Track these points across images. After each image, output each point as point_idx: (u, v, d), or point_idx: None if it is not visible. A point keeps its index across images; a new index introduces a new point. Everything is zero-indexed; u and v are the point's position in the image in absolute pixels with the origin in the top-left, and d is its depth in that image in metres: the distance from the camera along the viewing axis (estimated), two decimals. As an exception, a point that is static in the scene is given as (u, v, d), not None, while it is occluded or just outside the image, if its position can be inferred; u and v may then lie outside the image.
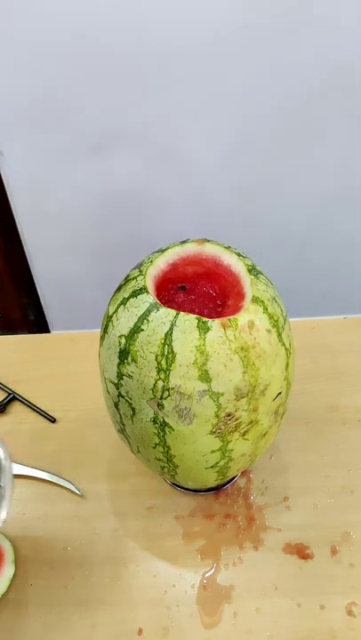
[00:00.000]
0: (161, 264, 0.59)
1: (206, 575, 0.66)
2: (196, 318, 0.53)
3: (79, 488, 0.72)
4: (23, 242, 1.54)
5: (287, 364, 0.58)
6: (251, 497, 0.72)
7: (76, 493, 0.72)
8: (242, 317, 0.54)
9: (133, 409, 0.56)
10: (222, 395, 0.53)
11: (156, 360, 0.53)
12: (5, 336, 0.90)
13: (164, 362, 0.52)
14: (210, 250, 0.60)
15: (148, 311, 0.54)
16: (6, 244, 1.49)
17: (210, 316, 0.55)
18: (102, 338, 0.59)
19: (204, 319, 0.53)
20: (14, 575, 0.65)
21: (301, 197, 1.58)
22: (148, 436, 0.57)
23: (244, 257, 0.60)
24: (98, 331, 0.62)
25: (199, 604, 0.64)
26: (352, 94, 1.38)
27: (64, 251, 1.39)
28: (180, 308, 0.58)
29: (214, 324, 0.52)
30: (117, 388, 0.57)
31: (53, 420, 0.79)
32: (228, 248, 0.60)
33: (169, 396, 0.53)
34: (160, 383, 0.53)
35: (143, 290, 0.56)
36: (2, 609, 0.63)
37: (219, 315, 0.57)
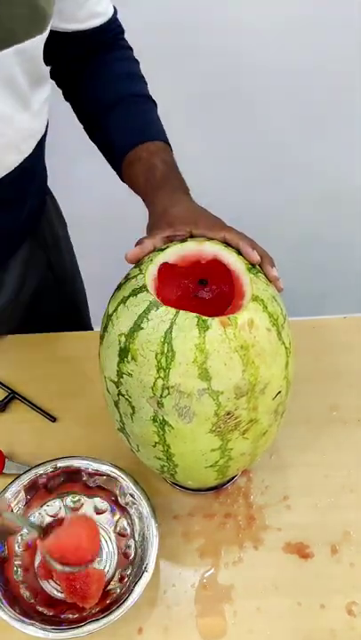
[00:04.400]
0: (161, 263, 0.59)
1: (206, 575, 0.66)
2: (196, 316, 0.53)
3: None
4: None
5: (287, 363, 0.58)
6: (251, 496, 0.72)
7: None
8: (242, 316, 0.54)
9: (133, 407, 0.56)
10: (222, 393, 0.53)
11: (155, 358, 0.53)
12: (6, 335, 0.90)
13: (163, 360, 0.52)
14: (209, 249, 0.60)
15: (148, 309, 0.54)
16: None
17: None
18: (102, 337, 0.59)
19: (204, 317, 0.53)
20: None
21: (302, 197, 1.58)
22: (148, 435, 0.57)
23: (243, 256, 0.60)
24: (98, 330, 0.62)
25: (199, 603, 0.64)
26: (352, 96, 1.39)
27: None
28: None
29: (214, 322, 0.52)
30: (117, 387, 0.57)
31: (53, 420, 0.79)
32: (227, 247, 0.60)
33: (169, 394, 0.53)
34: (160, 381, 0.53)
35: (143, 288, 0.56)
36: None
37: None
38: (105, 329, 0.58)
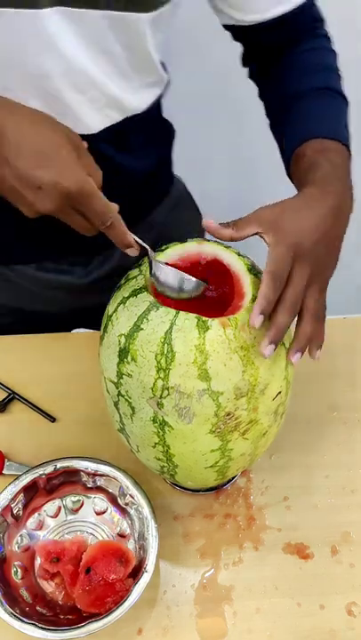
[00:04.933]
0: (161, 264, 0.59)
1: (206, 575, 0.66)
2: (196, 317, 0.53)
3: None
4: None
5: (287, 364, 0.58)
6: (251, 497, 0.72)
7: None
8: (242, 316, 0.54)
9: (133, 408, 0.56)
10: (222, 394, 0.53)
11: (155, 359, 0.53)
12: (5, 336, 0.90)
13: (163, 361, 0.52)
14: (209, 249, 0.60)
15: (148, 310, 0.54)
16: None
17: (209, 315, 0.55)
18: (102, 337, 0.59)
19: (204, 318, 0.53)
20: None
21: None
22: (148, 436, 0.57)
23: (243, 256, 0.60)
24: (98, 330, 0.62)
25: (199, 604, 0.64)
26: (351, 95, 1.38)
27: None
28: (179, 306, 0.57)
29: (214, 323, 0.52)
30: (117, 388, 0.57)
31: (53, 420, 0.79)
32: (227, 247, 0.60)
33: (168, 394, 0.53)
34: (160, 382, 0.53)
35: (143, 289, 0.56)
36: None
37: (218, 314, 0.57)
38: (105, 329, 0.58)
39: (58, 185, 0.50)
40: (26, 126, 0.53)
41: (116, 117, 0.71)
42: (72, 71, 0.63)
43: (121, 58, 0.66)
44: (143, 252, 0.57)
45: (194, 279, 0.57)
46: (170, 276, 0.56)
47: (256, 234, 0.55)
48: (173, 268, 0.57)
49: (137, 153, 0.77)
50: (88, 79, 0.65)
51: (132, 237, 0.55)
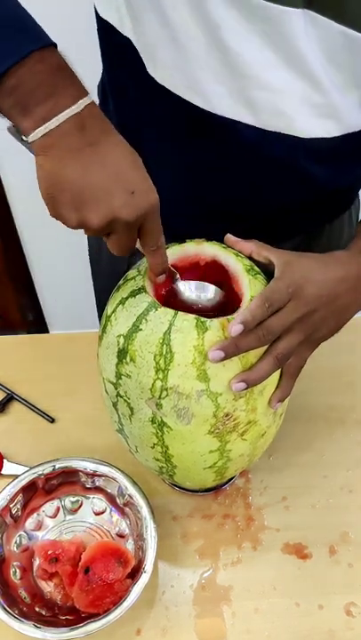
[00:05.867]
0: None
1: (205, 575, 0.66)
2: (195, 318, 0.53)
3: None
4: (22, 243, 1.54)
5: (285, 364, 0.58)
6: (249, 497, 0.72)
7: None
8: (240, 317, 0.53)
9: (132, 409, 0.56)
10: (220, 394, 0.53)
11: (154, 360, 0.53)
12: (4, 336, 0.90)
13: (162, 361, 0.52)
14: (208, 250, 0.60)
15: (147, 311, 0.54)
16: (5, 245, 1.50)
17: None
18: (101, 337, 0.59)
19: (203, 319, 0.53)
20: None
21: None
22: (147, 436, 0.57)
23: (242, 257, 0.60)
24: (96, 331, 0.62)
25: (197, 604, 0.64)
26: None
27: (63, 251, 1.39)
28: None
29: (213, 323, 0.52)
30: (116, 388, 0.57)
31: (52, 420, 0.79)
32: (226, 248, 0.60)
33: (167, 395, 0.53)
34: (158, 383, 0.53)
35: (142, 290, 0.56)
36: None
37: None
38: (103, 330, 0.58)
39: (150, 192, 0.47)
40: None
41: (332, 131, 0.61)
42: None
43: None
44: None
45: (211, 287, 0.56)
46: (188, 290, 0.57)
47: (269, 263, 0.56)
48: (191, 282, 0.57)
49: (336, 167, 0.67)
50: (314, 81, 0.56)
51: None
